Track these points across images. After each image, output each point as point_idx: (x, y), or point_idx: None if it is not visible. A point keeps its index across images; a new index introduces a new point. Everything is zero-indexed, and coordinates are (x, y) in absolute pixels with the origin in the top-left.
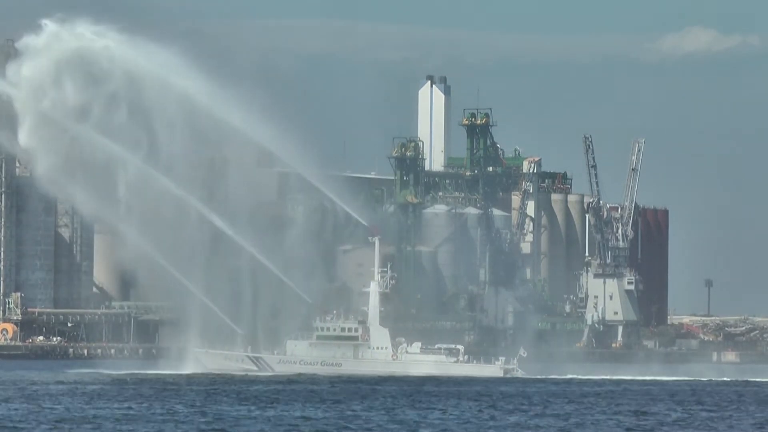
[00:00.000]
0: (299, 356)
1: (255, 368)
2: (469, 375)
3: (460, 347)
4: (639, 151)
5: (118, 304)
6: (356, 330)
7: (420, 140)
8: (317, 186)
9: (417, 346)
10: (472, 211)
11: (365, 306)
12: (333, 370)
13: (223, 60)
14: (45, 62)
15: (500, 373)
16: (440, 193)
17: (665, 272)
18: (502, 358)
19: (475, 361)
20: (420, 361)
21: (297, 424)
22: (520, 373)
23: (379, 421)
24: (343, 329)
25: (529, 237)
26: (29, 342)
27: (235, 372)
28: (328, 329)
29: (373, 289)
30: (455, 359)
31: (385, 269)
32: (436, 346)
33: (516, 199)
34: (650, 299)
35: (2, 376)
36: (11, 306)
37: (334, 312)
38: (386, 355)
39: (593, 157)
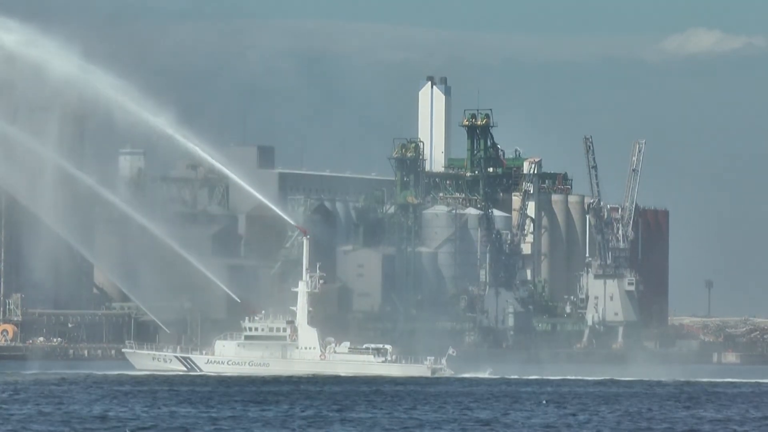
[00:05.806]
0: (227, 356)
1: (183, 369)
2: (397, 375)
3: (389, 347)
4: (639, 152)
5: (118, 305)
6: (284, 330)
7: (420, 141)
8: (240, 183)
9: (345, 346)
10: (472, 211)
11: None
12: (261, 370)
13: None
14: None
15: (428, 373)
16: (441, 194)
17: (665, 273)
18: (431, 358)
19: (403, 361)
20: (347, 361)
21: None
22: (448, 373)
23: None
24: (271, 329)
25: (530, 238)
26: (29, 343)
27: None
28: (256, 329)
29: (302, 290)
30: (383, 359)
31: (314, 269)
32: (364, 346)
33: (516, 199)
34: (650, 300)
35: None
36: (11, 307)
37: (263, 312)
38: (314, 355)
39: (594, 158)
